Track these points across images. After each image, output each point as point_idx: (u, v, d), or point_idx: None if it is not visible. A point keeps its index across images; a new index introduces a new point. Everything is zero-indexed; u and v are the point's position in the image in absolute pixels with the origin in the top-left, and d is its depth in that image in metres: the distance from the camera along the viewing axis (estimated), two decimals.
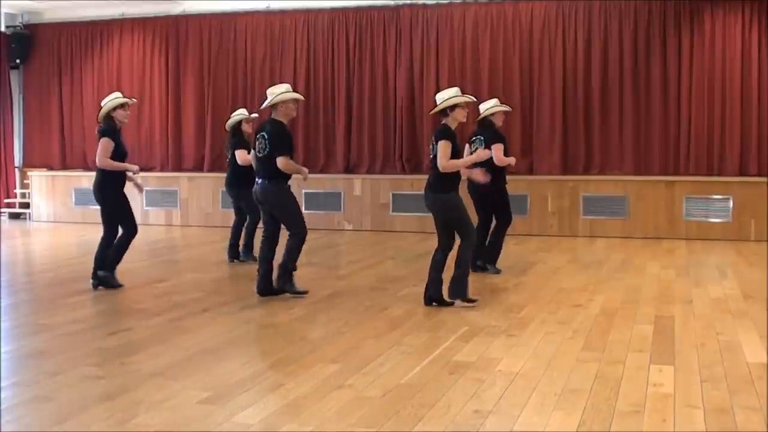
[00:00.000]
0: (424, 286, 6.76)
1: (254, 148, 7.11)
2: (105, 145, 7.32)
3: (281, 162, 6.90)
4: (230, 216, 13.03)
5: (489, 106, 8.32)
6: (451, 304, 6.65)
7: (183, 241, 11.59)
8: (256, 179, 7.14)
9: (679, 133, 12.01)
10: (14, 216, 14.86)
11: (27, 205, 14.80)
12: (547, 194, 11.83)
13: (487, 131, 8.19)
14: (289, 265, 7.07)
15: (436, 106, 6.73)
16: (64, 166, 14.96)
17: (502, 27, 12.64)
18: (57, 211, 14.35)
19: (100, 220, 7.64)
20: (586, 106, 12.37)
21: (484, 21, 12.72)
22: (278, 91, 7.03)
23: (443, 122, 6.66)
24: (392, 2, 13.11)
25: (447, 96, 6.68)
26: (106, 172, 7.42)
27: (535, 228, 11.80)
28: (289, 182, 7.13)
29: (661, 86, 12.04)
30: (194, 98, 14.23)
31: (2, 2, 14.22)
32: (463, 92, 7.01)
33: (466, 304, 6.64)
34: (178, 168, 14.16)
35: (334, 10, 13.41)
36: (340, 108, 13.33)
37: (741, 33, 11.72)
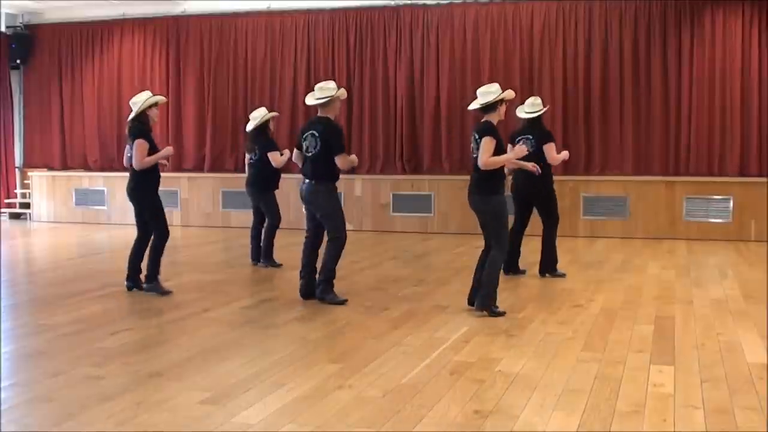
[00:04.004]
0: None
1: (299, 148, 6.86)
2: (142, 146, 7.04)
3: (340, 161, 6.67)
4: (230, 216, 13.26)
5: (532, 104, 8.28)
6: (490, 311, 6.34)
7: (183, 241, 11.58)
8: (303, 179, 6.87)
9: (679, 133, 12.01)
10: (15, 216, 14.86)
11: (27, 205, 14.80)
12: None
13: (536, 130, 8.05)
14: (329, 275, 6.79)
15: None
16: (65, 167, 14.98)
17: (502, 27, 12.64)
18: (57, 211, 14.35)
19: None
20: (586, 106, 12.37)
21: (484, 21, 12.71)
22: (332, 86, 6.83)
23: (485, 119, 6.36)
24: (392, 2, 13.12)
25: (492, 91, 6.37)
26: (142, 173, 7.14)
27: (535, 228, 11.76)
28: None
29: (661, 86, 12.05)
30: (195, 98, 14.23)
31: (2, 2, 14.23)
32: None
33: (493, 316, 6.24)
34: (179, 168, 14.15)
35: (334, 11, 13.42)
36: (340, 108, 13.29)
37: (741, 33, 11.73)
